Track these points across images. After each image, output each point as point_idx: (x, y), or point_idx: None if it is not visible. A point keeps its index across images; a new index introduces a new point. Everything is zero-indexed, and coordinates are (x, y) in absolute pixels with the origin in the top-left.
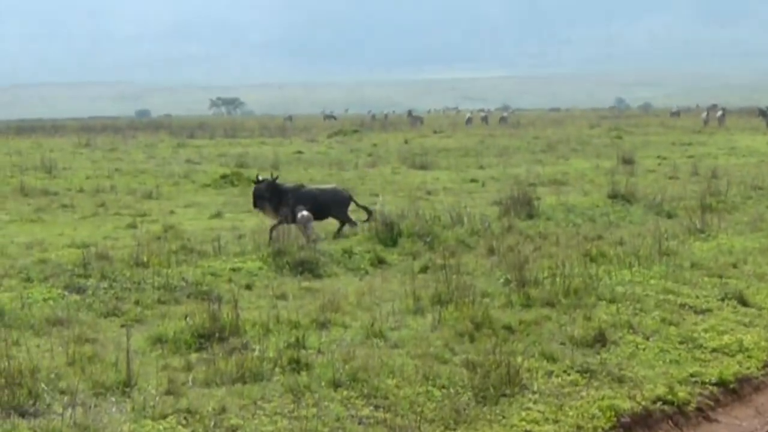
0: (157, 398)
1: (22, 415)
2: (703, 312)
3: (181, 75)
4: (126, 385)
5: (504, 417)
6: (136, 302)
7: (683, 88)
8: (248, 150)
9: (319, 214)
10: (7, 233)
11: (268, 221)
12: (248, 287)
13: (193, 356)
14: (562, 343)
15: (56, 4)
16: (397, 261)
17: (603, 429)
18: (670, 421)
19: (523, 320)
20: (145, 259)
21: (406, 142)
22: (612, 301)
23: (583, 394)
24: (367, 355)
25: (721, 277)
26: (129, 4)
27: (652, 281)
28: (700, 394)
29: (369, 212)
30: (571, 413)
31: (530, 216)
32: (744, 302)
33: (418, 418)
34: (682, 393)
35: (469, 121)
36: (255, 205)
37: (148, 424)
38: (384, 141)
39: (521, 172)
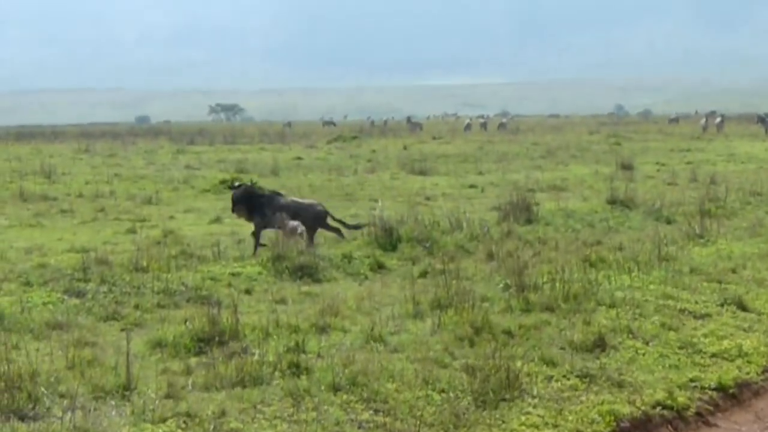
0: (157, 402)
1: (22, 418)
2: (702, 317)
3: (181, 81)
4: (125, 389)
5: (503, 421)
6: (136, 306)
7: (682, 94)
8: (248, 156)
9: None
10: (7, 238)
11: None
12: (248, 292)
13: (193, 360)
14: (562, 348)
15: (56, 11)
16: (396, 266)
17: None
18: (669, 426)
19: (522, 325)
20: (144, 264)
21: (405, 148)
22: (611, 306)
23: (583, 398)
24: (367, 359)
25: (720, 282)
26: (129, 11)
27: (652, 286)
28: (700, 399)
29: (347, 227)
30: (570, 418)
31: (529, 221)
32: (743, 307)
33: (418, 422)
34: (681, 398)
35: (467, 127)
36: (232, 209)
37: (147, 428)
38: (383, 147)
39: (520, 177)
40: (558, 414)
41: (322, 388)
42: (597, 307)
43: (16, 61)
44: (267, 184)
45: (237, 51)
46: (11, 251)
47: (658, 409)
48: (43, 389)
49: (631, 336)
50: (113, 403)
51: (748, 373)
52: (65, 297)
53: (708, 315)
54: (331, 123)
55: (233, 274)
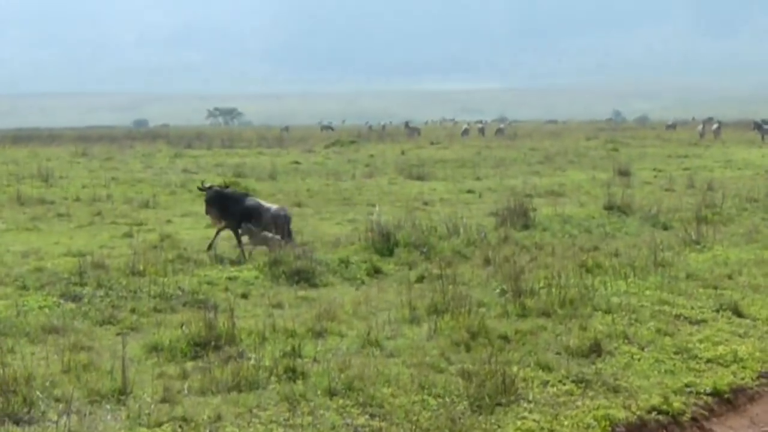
0: (153, 406)
1: (17, 422)
2: (698, 323)
3: (179, 84)
4: (121, 393)
5: (499, 426)
6: (132, 310)
7: (680, 100)
8: (245, 160)
9: (258, 226)
10: (3, 242)
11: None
12: (244, 296)
13: (189, 364)
14: (558, 353)
15: (54, 13)
16: (393, 271)
17: None
18: (665, 431)
19: (518, 330)
20: (141, 268)
21: (403, 153)
22: (607, 311)
23: (579, 403)
24: (363, 364)
25: (716, 288)
26: (127, 13)
27: (648, 292)
28: (695, 405)
29: (288, 239)
30: (566, 423)
31: (526, 227)
32: (739, 313)
33: (414, 427)
34: (677, 403)
35: (465, 132)
36: (206, 211)
37: None
38: (381, 152)
39: (518, 183)
40: (554, 419)
41: (318, 392)
42: (593, 312)
43: (13, 64)
44: (265, 188)
45: (235, 54)
46: (8, 255)
47: (654, 414)
48: (38, 393)
49: (626, 341)
50: (109, 407)
51: (743, 379)
52: (61, 301)
53: (704, 321)
54: (329, 127)
55: (230, 279)
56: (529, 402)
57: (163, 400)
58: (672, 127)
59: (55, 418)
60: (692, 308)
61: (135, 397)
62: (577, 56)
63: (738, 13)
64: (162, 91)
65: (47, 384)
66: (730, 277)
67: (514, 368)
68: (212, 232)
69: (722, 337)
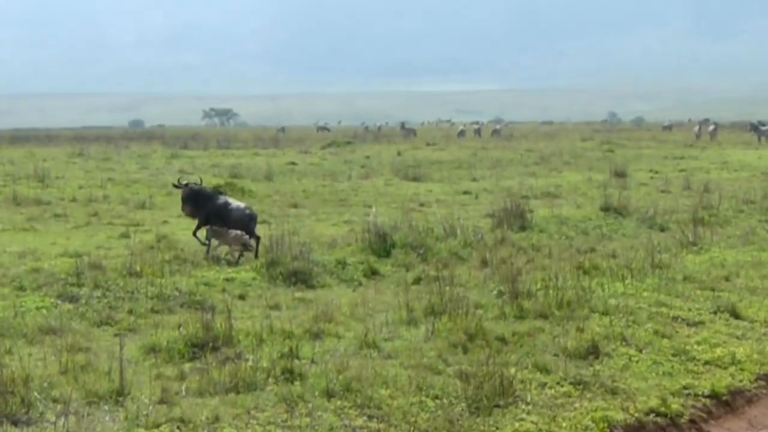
0: (151, 407)
1: (15, 423)
2: (695, 325)
3: (175, 85)
4: (119, 394)
5: (497, 428)
6: (130, 311)
7: (676, 102)
8: (241, 161)
9: (226, 225)
10: (0, 242)
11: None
12: (242, 297)
13: (187, 366)
14: (555, 355)
15: (52, 14)
16: (390, 272)
17: None
18: None
19: (516, 332)
20: (138, 269)
21: (399, 154)
22: (605, 313)
23: (576, 405)
24: (361, 365)
25: (713, 290)
26: (124, 14)
27: (645, 294)
28: (693, 407)
29: (257, 240)
30: (564, 424)
31: (523, 228)
32: (736, 315)
33: (412, 428)
34: (675, 405)
35: (461, 133)
36: (182, 208)
37: None
38: (377, 153)
39: (514, 184)
40: (551, 420)
41: (316, 394)
42: (590, 314)
43: (11, 64)
44: (261, 189)
45: (232, 55)
46: (4, 256)
47: (652, 416)
48: (36, 394)
49: (624, 343)
50: (107, 408)
51: (741, 381)
52: (58, 302)
53: (701, 323)
54: (325, 128)
55: (227, 280)
56: (527, 404)
57: (161, 401)
58: (668, 128)
59: (53, 419)
60: (690, 310)
61: (133, 398)
62: (574, 58)
63: (735, 15)
64: (159, 92)
65: (45, 385)
66: (727, 279)
67: (512, 370)
68: None
69: (720, 339)
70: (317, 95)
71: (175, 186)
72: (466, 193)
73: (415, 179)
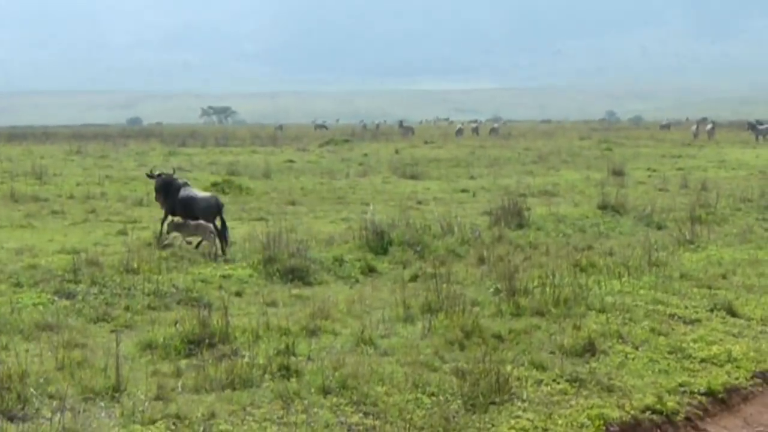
0: (147, 404)
1: (11, 419)
2: (692, 322)
3: (173, 83)
4: (115, 391)
5: (493, 425)
6: (126, 308)
7: (674, 101)
8: (239, 158)
9: (192, 216)
10: None
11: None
12: (238, 294)
13: (183, 362)
14: (552, 352)
15: (50, 12)
16: (387, 269)
17: None
18: (658, 431)
19: (512, 329)
20: (135, 266)
21: (397, 152)
22: (601, 310)
23: (573, 402)
24: (357, 362)
25: (710, 287)
26: (122, 13)
27: (642, 291)
28: (689, 404)
29: (221, 237)
30: (560, 422)
31: (520, 226)
32: (733, 313)
33: (408, 425)
34: (671, 403)
35: (459, 132)
36: (155, 197)
37: (137, 430)
38: (375, 151)
39: (512, 182)
40: (548, 418)
41: (312, 390)
42: (587, 311)
43: (8, 62)
44: (258, 186)
45: (229, 54)
46: (2, 252)
47: (648, 413)
48: (32, 390)
49: (620, 341)
50: (103, 404)
51: (737, 379)
52: (55, 298)
53: (698, 320)
54: (323, 126)
55: (224, 277)
56: (523, 401)
57: (157, 398)
58: (666, 127)
59: (49, 415)
60: (686, 308)
61: (129, 395)
62: (573, 57)
63: (733, 15)
64: (158, 90)
65: (41, 381)
66: (724, 276)
67: (508, 367)
68: None
69: (716, 336)
70: (315, 93)
71: (148, 176)
72: (463, 191)
73: (413, 177)
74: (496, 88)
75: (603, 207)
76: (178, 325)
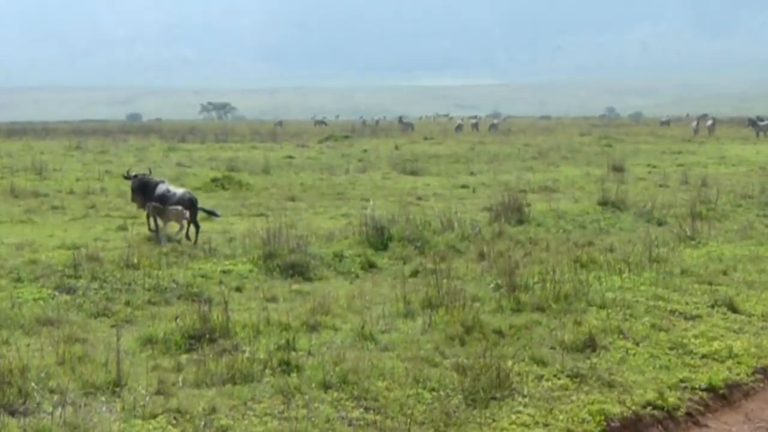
0: (147, 398)
1: (12, 413)
2: (693, 318)
3: (173, 79)
4: (116, 385)
5: (494, 420)
6: (127, 303)
7: (674, 97)
8: (239, 154)
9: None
10: None
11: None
12: (238, 289)
13: (183, 357)
14: (552, 348)
15: (49, 8)
16: (387, 265)
17: None
18: (659, 426)
19: (513, 324)
20: (135, 261)
21: (396, 148)
22: (602, 306)
23: (573, 398)
24: (358, 357)
25: (711, 284)
26: (122, 8)
27: (642, 287)
28: (690, 400)
29: (196, 227)
30: (560, 417)
31: (521, 222)
32: (734, 309)
33: (408, 420)
34: (671, 398)
35: (459, 128)
36: (131, 198)
37: (137, 424)
38: (375, 147)
39: (512, 178)
40: (548, 413)
41: (313, 385)
42: (588, 307)
43: (8, 58)
44: (258, 182)
45: (229, 50)
46: (2, 247)
47: (649, 409)
48: (33, 385)
49: (621, 336)
50: (103, 399)
51: (738, 374)
52: (56, 293)
53: (698, 316)
54: (322, 122)
55: (224, 272)
56: (524, 396)
57: (158, 393)
58: (666, 123)
59: (50, 409)
60: (687, 304)
61: (129, 389)
62: (572, 53)
63: (733, 11)
64: (157, 86)
65: (42, 376)
66: (724, 273)
67: (509, 362)
68: (205, 226)
69: (717, 332)
70: (315, 89)
71: (125, 177)
72: (463, 187)
73: (413, 173)
74: (495, 84)
75: (603, 203)
76: (178, 320)
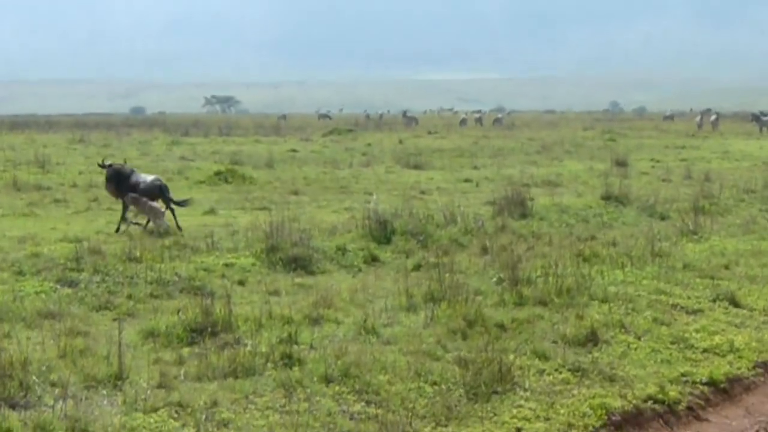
0: (149, 392)
1: (13, 406)
2: (694, 312)
3: (176, 72)
4: (117, 379)
5: (495, 414)
6: (129, 296)
7: (678, 92)
8: (242, 148)
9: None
10: (0, 227)
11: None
12: (241, 283)
13: (185, 350)
14: (554, 342)
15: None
16: (390, 259)
17: (594, 427)
18: (660, 420)
19: (515, 318)
20: (137, 254)
21: (400, 142)
22: (604, 300)
23: (575, 392)
24: (360, 351)
25: (713, 278)
26: (123, 1)
27: (645, 282)
28: (691, 394)
29: (177, 203)
30: (562, 411)
31: (524, 216)
32: (735, 303)
33: (410, 414)
34: (673, 392)
35: (463, 122)
36: (105, 187)
37: (139, 417)
38: (378, 141)
39: (515, 173)
40: (550, 407)
41: (315, 379)
42: (590, 301)
43: (10, 51)
44: (262, 176)
45: (233, 42)
46: (4, 240)
47: (650, 403)
48: (34, 378)
49: (623, 331)
50: (105, 392)
51: (739, 369)
52: (58, 286)
53: (700, 311)
54: (326, 116)
55: (227, 265)
56: (526, 390)
57: (160, 386)
58: (670, 118)
59: (51, 402)
60: (689, 298)
61: (131, 383)
62: (576, 47)
63: (737, 4)
64: (159, 79)
65: (43, 369)
66: (727, 267)
67: (511, 356)
68: (208, 219)
69: (719, 327)
70: (319, 83)
71: (99, 166)
72: (467, 181)
73: (417, 167)
74: (499, 78)
75: (606, 197)
76: (180, 313)
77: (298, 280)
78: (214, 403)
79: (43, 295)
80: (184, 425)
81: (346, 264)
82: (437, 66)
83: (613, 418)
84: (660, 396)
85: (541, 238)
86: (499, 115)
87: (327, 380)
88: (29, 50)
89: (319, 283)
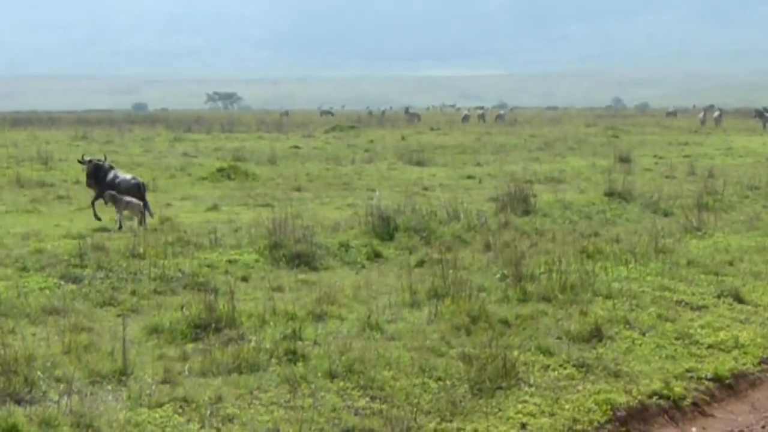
0: (153, 387)
1: (18, 402)
2: (699, 309)
3: (178, 68)
4: (122, 374)
5: (500, 409)
6: (133, 292)
7: (680, 88)
8: (245, 144)
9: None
10: (4, 224)
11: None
12: (244, 279)
13: (189, 346)
14: (559, 338)
15: None
16: (393, 255)
17: (599, 422)
18: (665, 416)
19: (519, 315)
20: (141, 251)
21: (403, 138)
22: (608, 296)
23: (579, 387)
24: (364, 347)
25: (717, 274)
26: None
27: (649, 278)
28: (696, 390)
29: (148, 212)
30: (567, 407)
31: (527, 212)
32: (740, 299)
33: (414, 409)
34: (677, 388)
35: (465, 118)
36: (86, 183)
37: (144, 413)
38: (381, 137)
39: (518, 169)
40: (554, 403)
41: (319, 375)
42: (594, 297)
43: (12, 47)
44: (264, 172)
45: (235, 39)
46: (8, 237)
47: (655, 398)
48: (39, 373)
49: (627, 327)
50: (110, 388)
51: (744, 364)
52: (62, 282)
53: (705, 307)
54: (328, 112)
55: (230, 262)
56: (530, 386)
57: (164, 381)
58: (672, 114)
59: (56, 398)
60: (693, 294)
61: (135, 378)
62: (578, 43)
63: (738, 0)
64: (161, 75)
65: (48, 364)
66: (731, 263)
67: (515, 352)
68: (211, 215)
69: (723, 323)
70: (321, 79)
71: (79, 162)
72: (469, 177)
73: (419, 163)
74: (501, 75)
75: (609, 194)
76: (184, 309)
77: (301, 276)
78: (219, 399)
79: (47, 291)
80: (189, 420)
81: (350, 260)
82: (439, 62)
83: (618, 413)
84: (665, 392)
85: (545, 234)
86: (502, 112)
87: (331, 376)
88: (31, 46)
89: (323, 279)
